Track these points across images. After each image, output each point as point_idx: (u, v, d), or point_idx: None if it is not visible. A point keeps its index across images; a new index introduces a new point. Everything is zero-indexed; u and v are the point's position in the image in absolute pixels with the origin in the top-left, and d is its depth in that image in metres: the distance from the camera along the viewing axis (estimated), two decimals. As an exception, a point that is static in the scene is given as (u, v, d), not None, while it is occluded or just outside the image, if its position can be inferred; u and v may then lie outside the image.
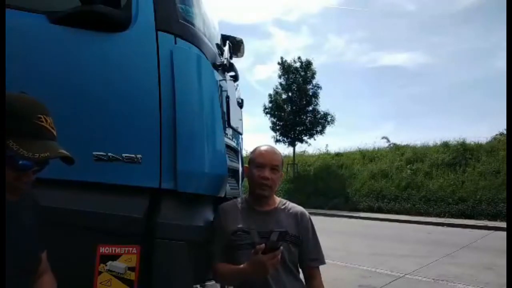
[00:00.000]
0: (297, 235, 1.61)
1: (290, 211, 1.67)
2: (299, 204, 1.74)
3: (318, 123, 18.09)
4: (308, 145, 19.08)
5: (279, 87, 18.64)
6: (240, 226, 1.59)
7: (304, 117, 18.17)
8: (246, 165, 1.73)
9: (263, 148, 1.69)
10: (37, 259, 1.08)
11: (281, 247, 1.42)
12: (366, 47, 45.31)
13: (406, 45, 46.47)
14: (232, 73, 2.30)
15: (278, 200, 1.72)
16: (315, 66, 18.21)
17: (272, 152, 1.67)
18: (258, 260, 1.39)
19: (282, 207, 1.68)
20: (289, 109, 18.21)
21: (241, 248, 1.56)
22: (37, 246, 1.08)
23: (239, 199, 1.74)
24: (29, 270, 1.04)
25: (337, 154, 18.75)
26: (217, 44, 2.08)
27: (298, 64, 18.21)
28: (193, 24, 1.65)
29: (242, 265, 1.48)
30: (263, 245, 1.38)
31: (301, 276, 1.68)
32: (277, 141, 18.58)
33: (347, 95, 41.34)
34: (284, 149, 19.46)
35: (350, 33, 54.03)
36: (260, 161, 1.64)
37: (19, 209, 1.01)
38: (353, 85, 44.95)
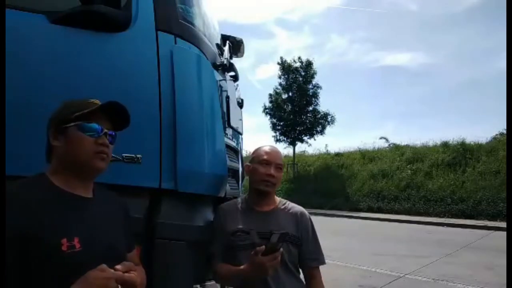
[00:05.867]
0: (296, 235, 1.61)
1: (290, 211, 1.66)
2: (299, 204, 1.73)
3: (318, 123, 18.10)
4: (308, 145, 19.12)
5: (279, 87, 18.66)
6: (239, 226, 1.59)
7: (304, 117, 18.17)
8: (248, 163, 1.72)
9: (267, 147, 1.71)
10: (121, 255, 1.12)
11: (281, 249, 1.42)
12: (368, 47, 45.33)
13: (408, 45, 46.52)
14: (232, 73, 2.30)
15: (278, 200, 1.71)
16: (315, 66, 18.26)
17: (277, 151, 1.72)
18: (257, 262, 1.39)
19: (282, 207, 1.68)
20: (289, 109, 18.21)
21: (241, 248, 1.56)
22: (121, 243, 1.14)
23: (239, 199, 1.74)
24: (112, 262, 1.06)
25: (337, 154, 18.75)
26: (217, 44, 2.08)
27: (298, 64, 18.22)
28: (193, 24, 1.65)
29: (242, 266, 1.48)
30: (263, 246, 1.38)
31: (302, 276, 1.68)
32: (277, 140, 18.62)
33: (349, 95, 41.45)
34: (284, 149, 19.50)
35: (352, 33, 54.17)
36: (266, 158, 1.66)
37: (101, 205, 1.12)
38: (354, 85, 45.01)
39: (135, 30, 1.48)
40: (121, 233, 1.15)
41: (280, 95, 18.54)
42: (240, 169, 2.35)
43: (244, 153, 3.00)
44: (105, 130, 1.09)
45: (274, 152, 1.69)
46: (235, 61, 2.51)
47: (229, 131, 2.10)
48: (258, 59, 52.23)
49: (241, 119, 2.61)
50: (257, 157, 1.68)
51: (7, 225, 0.89)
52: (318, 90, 18.24)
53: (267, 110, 18.72)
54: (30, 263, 0.92)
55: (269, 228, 1.54)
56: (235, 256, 1.56)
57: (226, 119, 1.93)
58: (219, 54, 2.03)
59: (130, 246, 1.23)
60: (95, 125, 1.06)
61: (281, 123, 18.37)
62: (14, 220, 0.90)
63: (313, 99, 18.20)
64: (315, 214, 11.24)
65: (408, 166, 14.45)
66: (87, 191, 1.10)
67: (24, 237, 0.90)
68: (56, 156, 1.06)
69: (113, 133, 1.13)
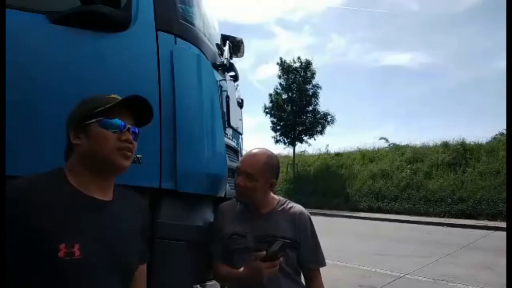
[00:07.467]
0: (294, 238, 1.56)
1: (289, 211, 1.61)
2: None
3: (318, 123, 18.09)
4: (308, 145, 19.12)
5: (279, 87, 18.66)
6: (236, 230, 1.57)
7: (304, 117, 18.17)
8: None
9: (248, 151, 1.63)
10: (129, 265, 1.05)
11: (281, 258, 1.40)
12: (369, 47, 45.39)
13: (409, 45, 46.59)
14: (232, 73, 2.30)
15: (276, 200, 1.65)
16: (315, 66, 18.27)
17: (250, 158, 1.57)
18: (255, 267, 1.38)
19: (280, 208, 1.62)
20: (289, 109, 18.21)
21: (237, 252, 1.54)
22: (131, 253, 1.05)
23: (238, 199, 1.73)
24: (117, 273, 1.00)
25: (337, 154, 18.74)
26: (217, 44, 2.08)
27: (297, 64, 18.22)
28: (193, 24, 1.65)
29: (240, 269, 1.47)
30: (264, 252, 1.37)
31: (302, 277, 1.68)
32: (277, 141, 18.62)
33: (349, 95, 41.48)
34: (284, 149, 19.51)
35: (352, 33, 54.24)
36: (238, 165, 1.60)
37: (118, 210, 1.04)
38: (354, 85, 45.05)
39: (135, 30, 1.48)
40: (135, 242, 1.06)
41: (280, 95, 18.54)
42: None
43: (244, 153, 3.00)
44: (128, 126, 1.03)
45: (246, 159, 1.58)
46: (235, 61, 2.51)
47: (229, 131, 2.10)
48: (258, 59, 52.40)
49: (241, 119, 2.61)
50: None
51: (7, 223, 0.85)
52: (318, 90, 18.25)
53: (267, 110, 18.73)
54: (27, 267, 0.86)
55: (266, 232, 1.52)
56: (231, 258, 1.56)
57: (226, 119, 1.93)
58: (219, 54, 2.03)
59: (143, 258, 1.14)
60: (117, 121, 1.01)
61: (281, 123, 18.37)
62: (14, 219, 0.86)
63: (313, 99, 18.20)
64: (315, 214, 11.23)
65: (408, 166, 14.44)
66: (105, 193, 1.02)
67: (23, 237, 0.86)
68: (77, 155, 1.00)
69: (136, 130, 1.07)
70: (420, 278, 5.12)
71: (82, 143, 0.99)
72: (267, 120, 18.89)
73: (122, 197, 1.07)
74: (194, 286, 1.54)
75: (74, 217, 0.93)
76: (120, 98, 1.04)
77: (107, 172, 1.02)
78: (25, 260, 0.86)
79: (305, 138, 18.41)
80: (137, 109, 1.06)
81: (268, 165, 1.57)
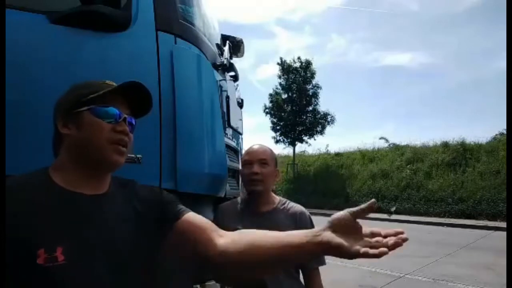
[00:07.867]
0: None
1: (289, 211, 1.64)
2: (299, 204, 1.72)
3: (318, 123, 18.10)
4: (308, 145, 19.13)
5: (279, 87, 18.68)
6: (237, 227, 1.58)
7: (304, 117, 18.18)
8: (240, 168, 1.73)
9: (251, 147, 1.71)
10: (132, 262, 0.90)
11: None
12: (369, 47, 45.52)
13: (408, 45, 46.69)
14: (232, 73, 2.30)
15: (277, 200, 1.69)
16: (315, 66, 18.28)
17: (257, 148, 1.68)
18: None
19: (281, 207, 1.65)
20: (289, 109, 18.22)
21: None
22: (133, 247, 0.90)
23: (238, 199, 1.74)
24: (118, 272, 0.86)
25: (337, 154, 18.75)
26: (217, 44, 2.08)
27: (297, 64, 18.23)
28: (193, 24, 1.65)
29: None
30: None
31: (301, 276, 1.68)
32: (277, 141, 18.63)
33: (349, 95, 41.51)
34: (284, 149, 19.52)
35: (352, 33, 54.37)
36: (247, 158, 1.66)
37: (113, 203, 0.92)
38: (354, 85, 45.11)
39: (135, 30, 1.48)
40: (136, 234, 0.92)
41: (280, 95, 18.55)
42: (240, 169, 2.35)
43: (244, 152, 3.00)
44: (124, 116, 0.92)
45: (254, 149, 1.67)
46: (235, 61, 2.52)
47: (229, 131, 2.10)
48: (258, 59, 52.47)
49: (241, 119, 2.61)
50: (242, 161, 1.69)
51: None
52: (318, 90, 18.26)
53: (267, 110, 18.75)
54: (14, 274, 0.75)
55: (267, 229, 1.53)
56: None
57: (226, 119, 1.93)
58: (219, 54, 2.03)
59: (179, 213, 1.03)
60: (112, 109, 0.89)
61: (281, 123, 18.38)
62: None
63: (313, 99, 18.21)
64: (315, 214, 11.20)
65: (408, 166, 14.44)
66: (97, 187, 0.91)
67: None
68: (66, 147, 0.89)
69: (133, 120, 0.96)
70: (420, 278, 5.13)
71: (72, 133, 0.88)
72: (267, 120, 18.94)
73: (118, 188, 0.97)
74: (194, 286, 1.54)
75: (55, 217, 0.81)
76: (115, 84, 0.93)
77: (99, 168, 0.91)
78: (10, 267, 0.76)
79: (305, 138, 18.42)
80: (134, 97, 0.95)
81: (272, 152, 1.72)
